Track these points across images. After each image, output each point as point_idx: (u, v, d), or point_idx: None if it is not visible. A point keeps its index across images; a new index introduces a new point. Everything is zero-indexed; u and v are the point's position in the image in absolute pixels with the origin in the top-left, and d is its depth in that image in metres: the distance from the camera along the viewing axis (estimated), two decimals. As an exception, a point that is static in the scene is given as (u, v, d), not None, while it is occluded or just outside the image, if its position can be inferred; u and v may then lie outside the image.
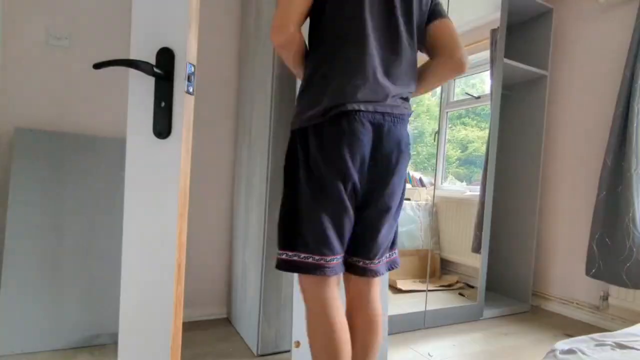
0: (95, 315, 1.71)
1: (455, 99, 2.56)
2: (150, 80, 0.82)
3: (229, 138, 2.14)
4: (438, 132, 2.31)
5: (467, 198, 2.46)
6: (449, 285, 2.54)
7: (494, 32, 2.34)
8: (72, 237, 1.68)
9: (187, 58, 0.81)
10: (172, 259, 0.84)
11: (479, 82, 2.51)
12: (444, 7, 2.14)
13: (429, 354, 1.85)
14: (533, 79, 2.64)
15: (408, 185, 2.93)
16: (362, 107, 1.02)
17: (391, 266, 1.21)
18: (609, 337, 1.13)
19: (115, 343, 1.75)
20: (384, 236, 1.16)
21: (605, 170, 2.23)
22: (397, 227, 1.22)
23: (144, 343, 0.88)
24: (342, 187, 1.04)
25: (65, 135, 1.71)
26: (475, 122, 2.52)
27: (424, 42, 1.19)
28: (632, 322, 2.10)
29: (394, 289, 2.47)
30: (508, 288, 2.70)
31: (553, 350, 1.09)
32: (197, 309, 2.09)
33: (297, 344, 1.47)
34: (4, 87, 1.66)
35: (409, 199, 2.75)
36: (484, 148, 2.43)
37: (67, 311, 1.66)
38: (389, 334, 2.05)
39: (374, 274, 1.16)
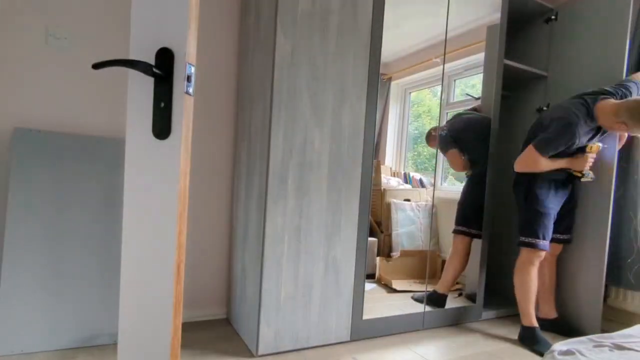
0: (95, 315, 1.71)
1: (455, 99, 2.56)
2: (150, 81, 0.83)
3: (229, 138, 2.14)
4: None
5: (466, 199, 2.45)
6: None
7: (490, 28, 2.34)
8: (71, 237, 1.68)
9: (186, 58, 0.81)
10: (171, 259, 0.84)
11: (479, 82, 2.51)
12: (444, 7, 2.16)
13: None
14: (533, 79, 2.64)
15: (408, 186, 2.93)
16: None
17: None
18: (607, 339, 1.14)
19: (115, 343, 1.75)
20: None
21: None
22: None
23: (144, 343, 0.88)
24: None
25: (64, 135, 1.72)
26: (475, 122, 2.52)
27: None
28: (630, 324, 2.10)
29: (390, 288, 2.47)
30: (507, 289, 2.70)
31: (552, 351, 1.09)
32: (196, 309, 2.09)
33: None
34: (3, 87, 1.66)
35: (408, 200, 2.75)
36: (483, 149, 2.43)
37: (67, 311, 1.66)
38: (388, 335, 2.05)
39: None
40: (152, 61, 0.81)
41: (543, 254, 2.04)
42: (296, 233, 1.76)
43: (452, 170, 2.46)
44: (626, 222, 2.16)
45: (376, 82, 1.90)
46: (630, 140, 2.18)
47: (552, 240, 2.09)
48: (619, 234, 2.19)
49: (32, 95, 1.70)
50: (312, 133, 1.76)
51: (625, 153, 2.20)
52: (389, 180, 2.80)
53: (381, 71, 1.95)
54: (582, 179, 2.00)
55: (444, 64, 2.25)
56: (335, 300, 1.88)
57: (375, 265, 2.67)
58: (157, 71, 0.80)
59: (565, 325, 2.20)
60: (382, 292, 2.46)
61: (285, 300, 1.75)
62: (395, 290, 2.38)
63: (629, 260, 2.13)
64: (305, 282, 1.80)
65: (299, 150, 1.74)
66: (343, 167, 1.85)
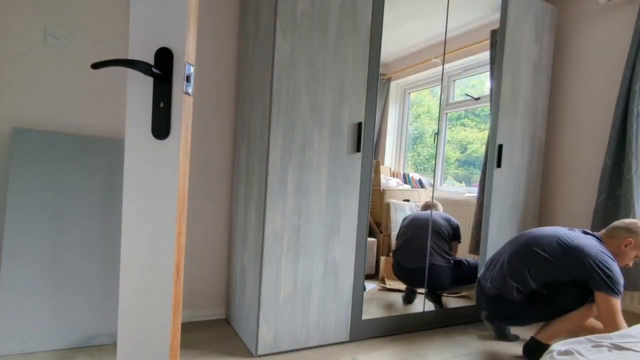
0: (94, 315, 1.71)
1: (454, 100, 2.56)
2: (149, 81, 0.83)
3: (228, 138, 2.14)
4: (437, 133, 2.31)
5: (466, 199, 2.46)
6: (455, 293, 2.51)
7: (494, 32, 2.34)
8: (71, 237, 1.68)
9: (185, 58, 0.81)
10: (170, 260, 0.84)
11: (479, 83, 2.51)
12: (444, 8, 2.16)
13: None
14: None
15: (407, 187, 2.93)
16: None
17: None
18: (606, 339, 1.14)
19: (115, 343, 1.75)
20: None
21: (605, 172, 2.22)
22: None
23: (143, 343, 0.88)
24: None
25: (63, 135, 1.72)
26: (474, 123, 2.52)
27: None
28: (629, 324, 2.10)
29: (384, 288, 2.46)
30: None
31: (551, 351, 1.09)
32: (196, 310, 2.09)
33: None
34: (2, 87, 1.66)
35: (408, 200, 2.75)
36: (483, 149, 2.43)
37: (66, 311, 1.66)
38: (387, 335, 2.05)
39: None
40: (151, 61, 0.81)
41: None
42: (295, 233, 1.76)
43: (451, 171, 2.46)
44: None
45: (376, 83, 1.91)
46: None
47: None
48: None
49: (30, 95, 1.70)
50: (312, 133, 1.77)
51: (617, 153, 2.18)
52: (388, 181, 2.80)
53: (381, 71, 1.95)
54: None
55: (443, 64, 2.25)
56: (334, 300, 1.88)
57: (375, 265, 2.66)
58: (156, 71, 0.80)
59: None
60: (382, 292, 2.45)
61: (284, 300, 1.76)
62: (398, 290, 2.37)
63: None
64: (305, 282, 1.80)
65: (299, 150, 1.74)
66: (342, 168, 1.85)
